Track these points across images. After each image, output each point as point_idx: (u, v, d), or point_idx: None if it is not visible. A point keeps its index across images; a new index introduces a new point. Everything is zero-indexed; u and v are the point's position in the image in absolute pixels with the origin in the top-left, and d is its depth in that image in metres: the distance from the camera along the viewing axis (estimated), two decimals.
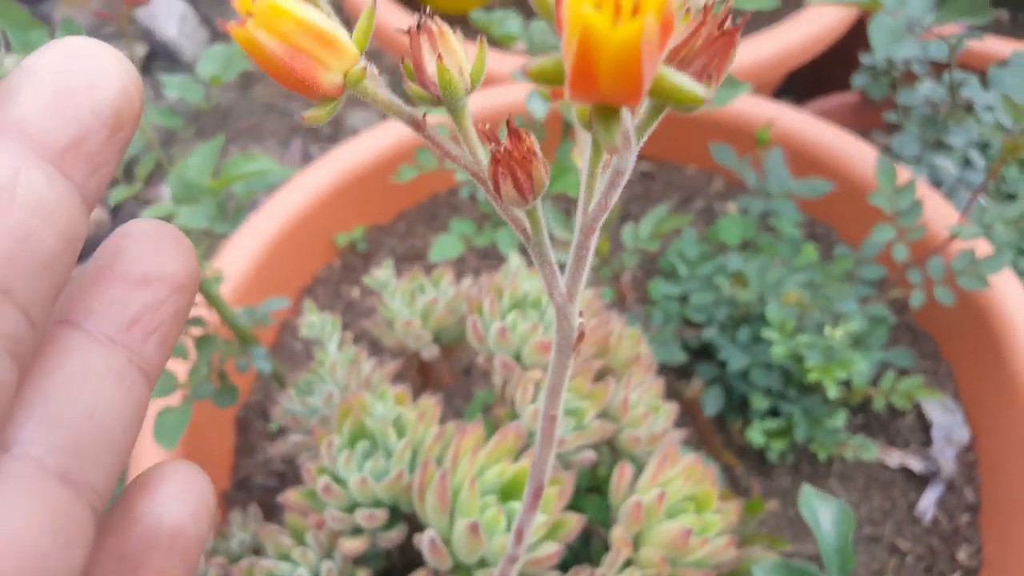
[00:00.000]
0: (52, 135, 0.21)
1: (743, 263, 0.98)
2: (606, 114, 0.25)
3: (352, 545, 0.64)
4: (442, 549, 0.59)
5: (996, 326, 0.97)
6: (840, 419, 0.94)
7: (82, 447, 0.23)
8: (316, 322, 0.74)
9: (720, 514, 0.65)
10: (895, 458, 0.99)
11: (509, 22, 0.99)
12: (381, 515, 0.64)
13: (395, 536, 0.65)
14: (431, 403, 0.68)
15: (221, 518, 0.91)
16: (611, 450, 0.71)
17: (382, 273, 0.77)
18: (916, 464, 0.98)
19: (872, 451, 0.96)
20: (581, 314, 0.39)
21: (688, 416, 1.00)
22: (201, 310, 0.83)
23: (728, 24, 0.25)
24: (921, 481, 0.98)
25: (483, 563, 0.61)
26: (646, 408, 0.70)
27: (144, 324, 0.25)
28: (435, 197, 1.26)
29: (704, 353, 1.01)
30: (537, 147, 0.32)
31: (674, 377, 1.02)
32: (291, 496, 0.68)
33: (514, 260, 0.80)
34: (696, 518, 0.64)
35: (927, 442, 1.00)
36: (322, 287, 1.20)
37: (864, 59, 1.22)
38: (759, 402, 0.95)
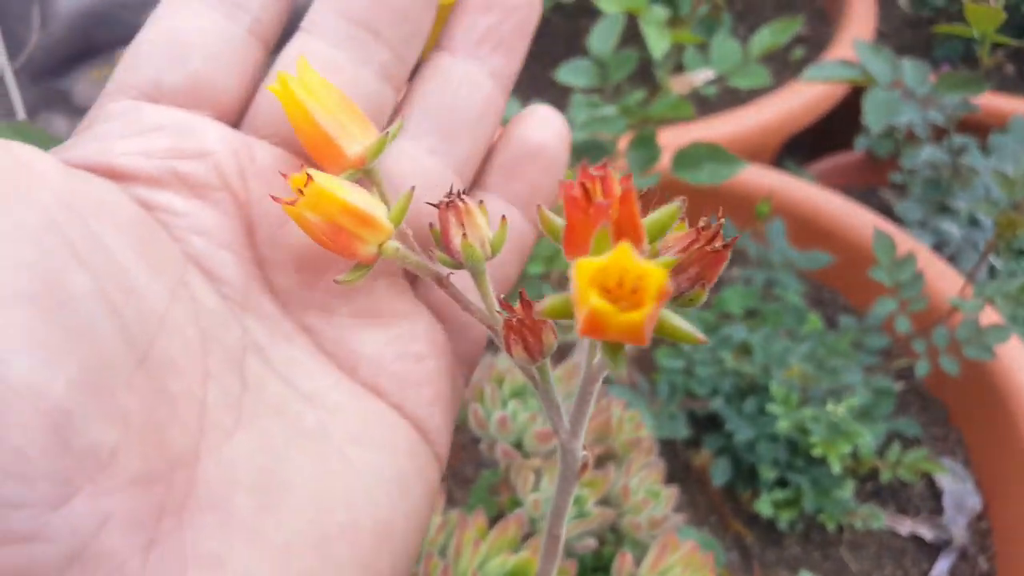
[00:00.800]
0: None
1: (748, 333, 0.99)
2: (613, 348, 0.27)
3: None
4: None
5: (1005, 393, 0.97)
6: (848, 490, 0.94)
7: (447, 130, 0.35)
8: None
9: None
10: (906, 527, 0.98)
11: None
12: None
13: None
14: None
15: None
16: (613, 532, 0.71)
17: None
18: (927, 532, 0.98)
19: (881, 520, 0.96)
20: (584, 447, 0.40)
21: (697, 484, 1.00)
22: None
23: (718, 242, 0.28)
24: (933, 550, 0.98)
25: None
26: (646, 494, 0.71)
27: (491, 39, 0.35)
28: None
29: (711, 423, 1.01)
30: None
31: (682, 446, 1.03)
32: None
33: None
34: None
35: (938, 510, 1.00)
36: None
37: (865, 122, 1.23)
38: (767, 472, 0.95)
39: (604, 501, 0.70)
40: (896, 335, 1.00)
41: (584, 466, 0.41)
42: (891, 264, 0.91)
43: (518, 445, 0.72)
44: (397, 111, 0.37)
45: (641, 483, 0.70)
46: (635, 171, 0.95)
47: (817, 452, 0.86)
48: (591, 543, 0.69)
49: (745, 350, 0.96)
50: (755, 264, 1.00)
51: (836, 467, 0.85)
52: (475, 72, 0.36)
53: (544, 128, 0.37)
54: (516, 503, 0.72)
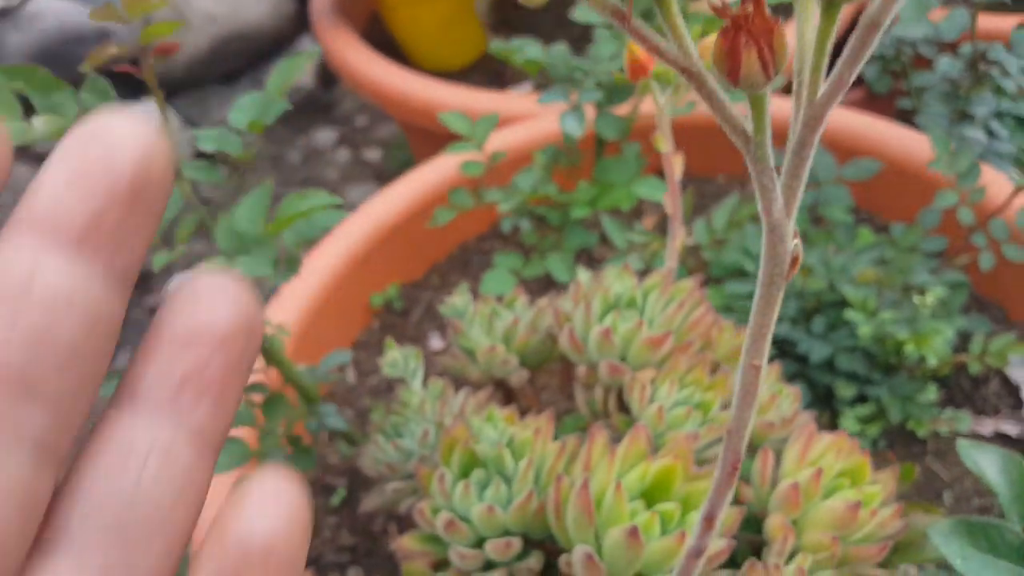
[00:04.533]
0: (68, 220, 0.20)
1: (803, 256, 0.92)
2: None
3: None
4: (599, 564, 0.51)
5: None
6: (932, 393, 0.87)
7: (124, 537, 0.21)
8: (399, 358, 0.66)
9: (879, 485, 0.57)
10: (988, 426, 0.92)
11: (529, 49, 0.95)
12: (517, 543, 0.56)
13: (533, 564, 0.57)
14: (544, 419, 0.60)
15: None
16: None
17: (458, 299, 0.70)
18: (1011, 428, 0.91)
19: (966, 422, 0.89)
20: (795, 234, 0.33)
21: None
22: (259, 375, 0.76)
23: None
24: (1019, 445, 0.91)
25: None
26: (771, 392, 0.63)
27: (193, 387, 0.22)
28: (464, 246, 1.19)
29: (779, 351, 0.94)
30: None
31: None
32: (407, 543, 0.60)
33: (583, 275, 0.74)
34: (855, 492, 0.56)
35: (1017, 405, 0.93)
36: (364, 351, 1.13)
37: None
38: (844, 390, 0.88)
39: (728, 405, 0.62)
40: (953, 235, 0.94)
41: (795, 260, 0.33)
42: (948, 156, 0.85)
43: (623, 359, 0.64)
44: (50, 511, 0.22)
45: (764, 380, 0.62)
46: None
47: (909, 350, 0.79)
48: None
49: (805, 271, 0.89)
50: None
51: (933, 360, 0.78)
52: (168, 436, 0.23)
53: (270, 518, 0.22)
54: (629, 425, 0.64)
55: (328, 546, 0.99)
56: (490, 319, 0.71)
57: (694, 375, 0.61)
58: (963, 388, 0.95)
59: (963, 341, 0.96)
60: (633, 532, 0.50)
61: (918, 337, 0.80)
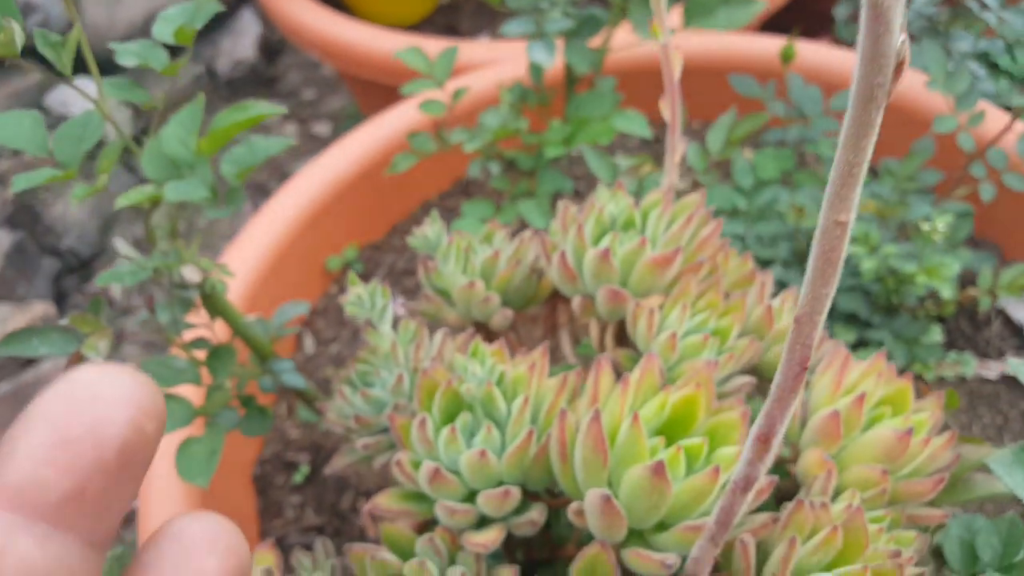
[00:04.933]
0: (48, 491, 0.18)
1: (791, 196, 0.85)
2: None
3: (485, 538, 0.47)
4: (617, 508, 0.42)
5: None
6: (937, 334, 0.80)
7: None
8: (363, 295, 0.57)
9: (926, 412, 0.50)
10: (993, 370, 0.85)
11: None
12: (515, 492, 0.47)
13: (536, 517, 0.48)
14: (539, 354, 0.51)
15: None
16: (754, 374, 0.55)
17: (430, 229, 0.60)
18: None
19: (971, 365, 0.83)
20: (903, 28, 0.25)
21: None
22: (203, 329, 0.66)
23: None
24: None
25: (662, 525, 0.45)
26: (791, 317, 0.55)
27: None
28: (427, 204, 1.10)
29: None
30: None
31: None
32: (383, 502, 0.50)
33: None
34: (902, 421, 0.49)
35: (1022, 346, 0.87)
36: (323, 318, 1.03)
37: None
38: (844, 334, 0.81)
39: (743, 334, 0.54)
40: (949, 169, 0.87)
41: (900, 64, 0.25)
42: (945, 76, 0.79)
43: (624, 286, 0.55)
44: None
45: (783, 305, 0.55)
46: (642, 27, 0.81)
47: (921, 281, 0.72)
48: (747, 381, 0.53)
49: (799, 211, 0.82)
50: (788, 123, 0.87)
51: (946, 292, 0.71)
52: None
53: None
54: (633, 360, 0.56)
55: (292, 527, 0.89)
56: (467, 253, 0.62)
57: (708, 299, 0.53)
58: (964, 331, 0.88)
59: (962, 284, 0.89)
60: (658, 469, 0.42)
61: (929, 268, 0.73)
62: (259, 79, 1.92)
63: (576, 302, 0.57)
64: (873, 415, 0.49)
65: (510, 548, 0.55)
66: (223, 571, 0.21)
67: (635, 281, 0.54)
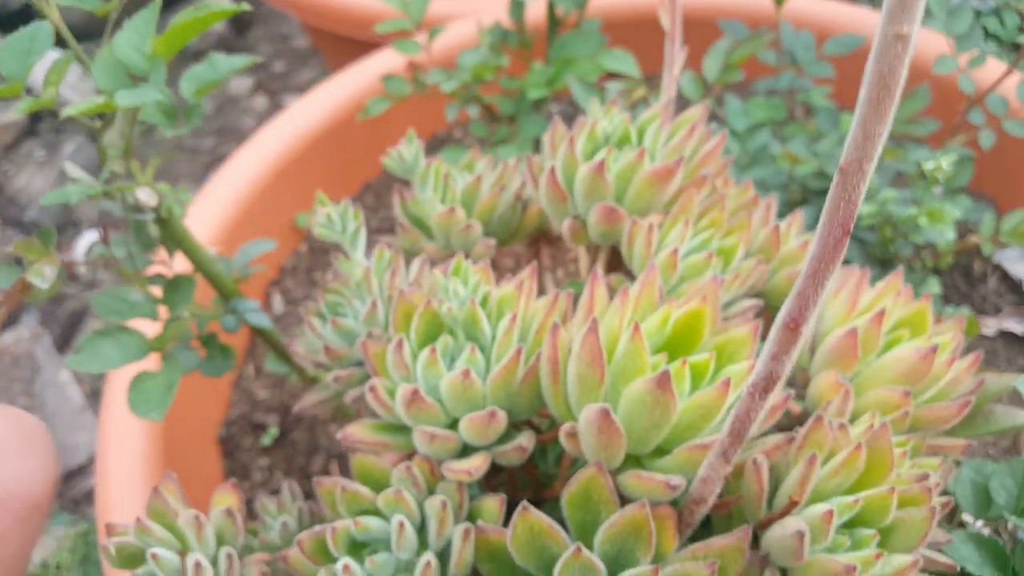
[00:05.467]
0: None
1: (783, 145, 0.81)
2: None
3: (468, 464, 0.42)
4: (615, 424, 0.37)
5: None
6: (935, 286, 0.77)
7: None
8: (334, 216, 0.52)
9: (948, 335, 0.45)
10: (991, 326, 0.82)
11: None
12: (502, 416, 0.42)
13: (524, 443, 0.43)
14: (527, 274, 0.46)
15: None
16: (761, 299, 0.51)
17: (406, 149, 0.55)
18: (1016, 326, 0.81)
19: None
20: None
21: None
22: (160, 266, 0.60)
23: None
24: None
25: (663, 450, 0.40)
26: (799, 240, 0.51)
27: None
28: None
29: None
30: None
31: None
32: (356, 432, 0.45)
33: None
34: (923, 342, 0.44)
35: (1020, 301, 0.84)
36: (291, 278, 0.97)
37: None
38: None
39: (752, 254, 0.50)
40: (945, 119, 0.83)
41: None
42: (946, 15, 0.75)
43: (619, 202, 0.51)
44: None
45: (789, 228, 0.50)
46: None
47: (924, 223, 0.68)
48: (753, 304, 0.48)
49: (792, 158, 0.78)
50: (779, 71, 0.83)
51: (950, 233, 0.67)
52: None
53: None
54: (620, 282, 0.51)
55: (260, 490, 0.83)
56: (446, 180, 0.57)
57: (711, 217, 0.48)
58: (960, 287, 0.85)
59: (961, 236, 0.86)
60: (662, 381, 0.37)
61: (930, 211, 0.69)
62: (228, 51, 1.85)
63: (566, 226, 0.52)
64: (891, 338, 0.45)
65: (493, 488, 0.51)
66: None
67: (632, 197, 0.50)
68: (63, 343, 1.47)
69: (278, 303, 0.96)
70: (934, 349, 0.42)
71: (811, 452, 0.37)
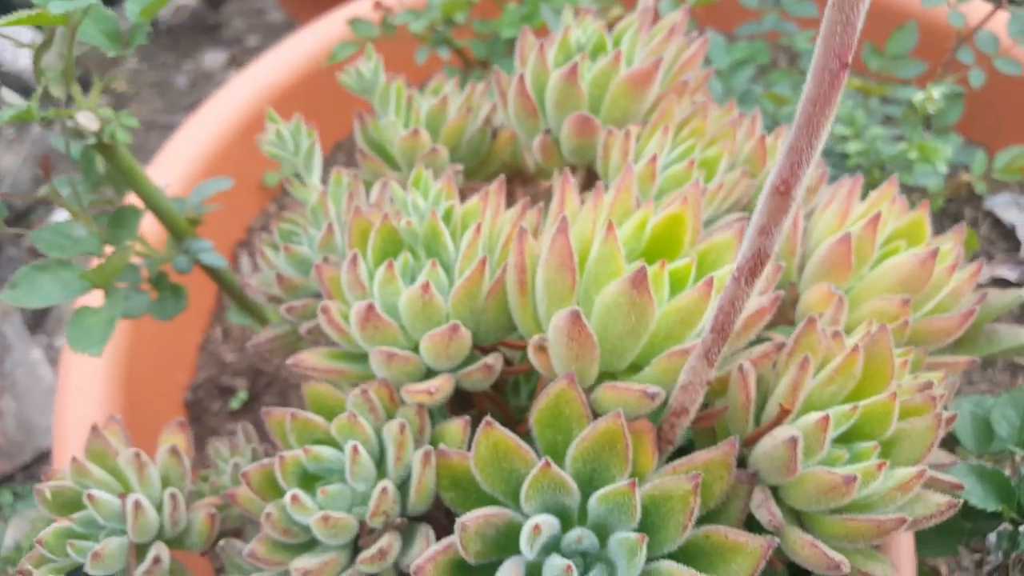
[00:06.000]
0: None
1: (766, 88, 0.78)
2: None
3: (429, 384, 0.38)
4: (586, 329, 0.33)
5: None
6: None
7: None
8: (284, 135, 0.48)
9: (948, 244, 0.41)
10: (983, 272, 0.78)
11: None
12: (465, 333, 0.38)
13: (491, 362, 0.39)
14: (495, 187, 0.42)
15: None
16: (748, 209, 0.47)
17: (366, 66, 0.51)
18: (1009, 272, 0.78)
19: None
20: None
21: None
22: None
23: None
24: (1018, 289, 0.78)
25: (637, 367, 0.36)
26: None
27: None
28: None
29: None
30: None
31: None
32: (308, 359, 0.41)
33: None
34: (924, 249, 0.41)
35: (1012, 248, 0.80)
36: (259, 238, 0.93)
37: None
38: None
39: (736, 165, 0.46)
40: (933, 60, 0.80)
41: None
42: None
43: (594, 113, 0.47)
44: None
45: (777, 140, 0.46)
46: None
47: (914, 156, 0.64)
48: (736, 218, 0.44)
49: (776, 98, 0.74)
50: (760, 14, 0.79)
51: (942, 168, 0.64)
52: None
53: None
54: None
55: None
56: (409, 103, 0.53)
57: (693, 127, 0.45)
58: None
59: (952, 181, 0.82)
60: (638, 281, 0.33)
61: (922, 147, 0.65)
62: (202, 25, 1.80)
63: (537, 143, 0.48)
64: (887, 249, 0.41)
65: None
66: None
67: (608, 106, 0.46)
68: (35, 323, 1.42)
69: (246, 264, 0.91)
70: (934, 253, 0.38)
71: (803, 355, 0.33)
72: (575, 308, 0.33)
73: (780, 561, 0.40)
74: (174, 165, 0.84)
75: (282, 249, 0.47)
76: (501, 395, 0.47)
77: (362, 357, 0.41)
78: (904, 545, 0.46)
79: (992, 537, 0.71)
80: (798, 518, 0.34)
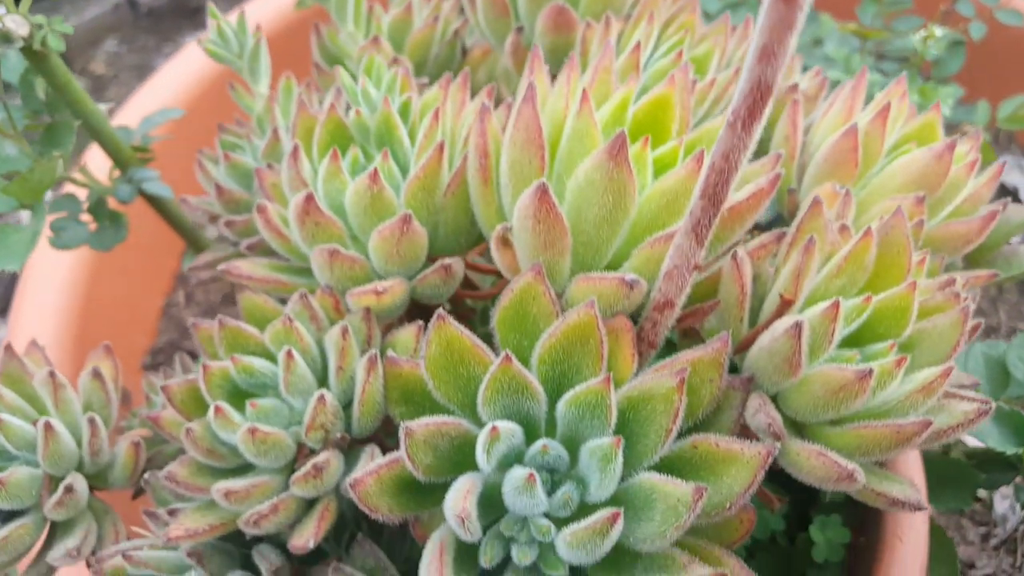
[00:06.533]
0: None
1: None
2: None
3: (378, 285, 0.33)
4: (556, 210, 0.28)
5: None
6: None
7: None
8: (227, 33, 0.42)
9: (964, 145, 0.37)
10: None
11: None
12: (420, 229, 0.33)
13: (450, 264, 0.34)
14: (459, 81, 0.37)
15: None
16: None
17: None
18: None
19: None
20: None
21: None
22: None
23: None
24: None
25: (613, 266, 0.31)
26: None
27: None
28: None
29: None
30: None
31: None
32: (245, 266, 0.36)
33: None
34: (938, 145, 0.36)
35: None
36: None
37: None
38: None
39: (729, 65, 0.41)
40: (928, 15, 0.75)
41: None
42: None
43: (573, 5, 0.42)
44: None
45: None
46: None
47: (915, 100, 0.59)
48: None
49: None
50: None
51: (947, 111, 0.59)
52: None
53: None
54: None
55: None
56: (370, 13, 0.48)
57: (681, 22, 0.40)
58: None
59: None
60: (615, 150, 0.28)
61: (923, 90, 0.60)
62: (182, 9, 1.75)
63: (508, 44, 0.43)
64: (897, 153, 0.36)
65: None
66: None
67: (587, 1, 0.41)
68: (4, 306, 1.36)
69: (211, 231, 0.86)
70: (951, 146, 0.33)
71: (808, 237, 0.28)
72: (542, 181, 0.28)
73: (778, 499, 0.35)
74: (142, 113, 0.79)
75: (222, 159, 0.42)
76: (468, 324, 0.41)
77: (306, 271, 0.36)
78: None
79: (1000, 508, 0.66)
80: (800, 433, 0.29)
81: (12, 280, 1.36)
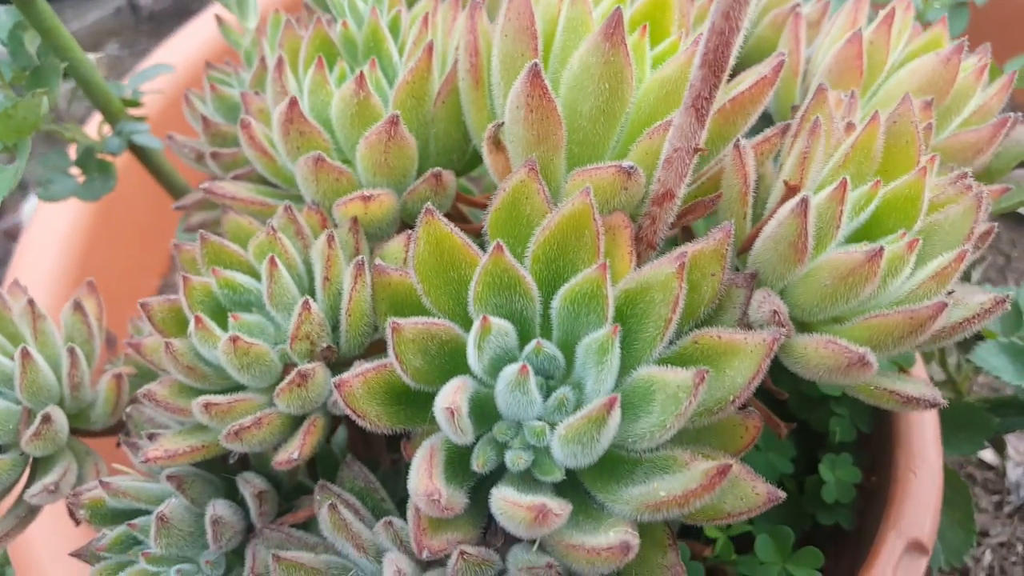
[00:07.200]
0: None
1: None
2: None
3: (365, 191, 0.31)
4: (551, 97, 0.27)
5: None
6: None
7: None
8: None
9: (973, 57, 0.35)
10: None
11: None
12: (409, 136, 0.31)
13: (440, 175, 0.32)
14: None
15: None
16: None
17: None
18: None
19: None
20: None
21: None
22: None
23: None
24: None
25: (618, 151, 0.29)
26: None
27: None
28: None
29: None
30: None
31: None
32: (230, 186, 0.34)
33: None
34: (945, 50, 0.34)
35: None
36: None
37: None
38: None
39: None
40: None
41: None
42: None
43: None
44: None
45: None
46: None
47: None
48: None
49: None
50: None
51: None
52: None
53: None
54: None
55: None
56: None
57: None
58: None
59: None
60: (611, 30, 0.26)
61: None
62: (183, 11, 1.75)
63: None
64: (905, 60, 0.35)
65: None
66: None
67: None
68: None
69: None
70: (959, 49, 0.32)
71: (816, 115, 0.26)
72: (534, 62, 0.26)
73: (786, 426, 0.33)
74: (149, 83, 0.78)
75: (209, 90, 0.41)
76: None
77: (293, 197, 0.35)
78: (929, 437, 0.40)
79: (1013, 476, 0.64)
80: (806, 332, 0.27)
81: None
